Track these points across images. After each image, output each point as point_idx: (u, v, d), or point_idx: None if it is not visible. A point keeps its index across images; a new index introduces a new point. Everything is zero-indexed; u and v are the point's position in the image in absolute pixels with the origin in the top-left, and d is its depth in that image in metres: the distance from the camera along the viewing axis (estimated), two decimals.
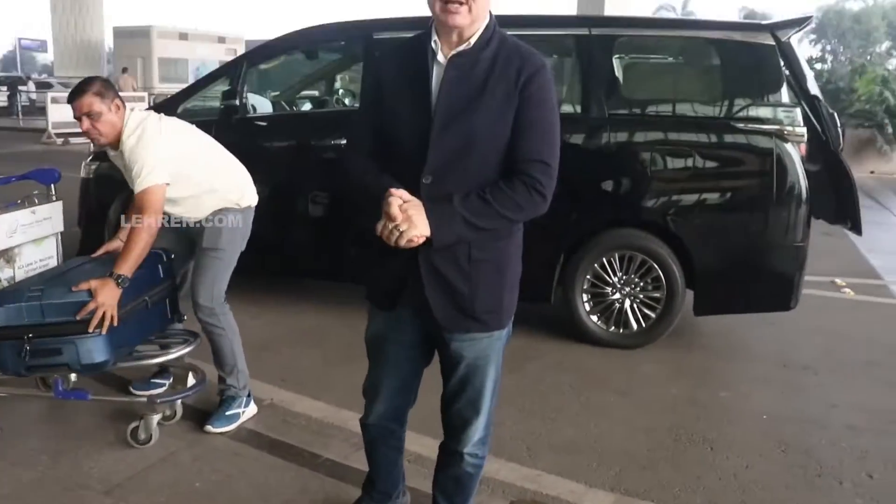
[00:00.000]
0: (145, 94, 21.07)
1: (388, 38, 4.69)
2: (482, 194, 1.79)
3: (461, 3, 1.76)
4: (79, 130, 3.00)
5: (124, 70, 23.86)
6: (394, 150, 1.90)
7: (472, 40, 1.83)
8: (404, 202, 1.77)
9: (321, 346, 4.40)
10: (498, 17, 1.91)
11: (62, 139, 17.01)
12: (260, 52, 5.47)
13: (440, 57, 1.85)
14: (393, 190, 1.78)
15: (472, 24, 1.81)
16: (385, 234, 1.77)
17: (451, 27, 1.80)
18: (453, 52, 1.83)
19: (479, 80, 1.82)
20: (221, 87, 5.24)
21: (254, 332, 4.56)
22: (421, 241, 1.77)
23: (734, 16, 46.82)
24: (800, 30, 4.50)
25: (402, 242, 1.76)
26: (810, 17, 4.65)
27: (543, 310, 4.57)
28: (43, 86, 28.53)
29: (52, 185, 3.46)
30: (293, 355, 4.24)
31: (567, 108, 4.69)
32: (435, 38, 1.85)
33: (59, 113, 16.97)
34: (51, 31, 31.55)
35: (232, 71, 5.20)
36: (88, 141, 3.60)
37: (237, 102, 5.02)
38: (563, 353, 4.38)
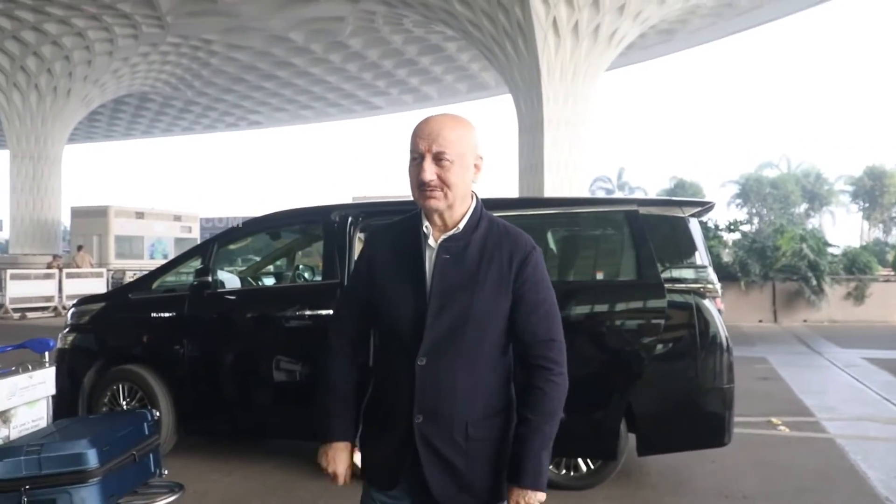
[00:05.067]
0: (103, 270, 21.42)
1: (341, 219, 5.16)
2: (529, 424, 1.85)
3: (434, 188, 1.84)
4: (36, 306, 3.27)
5: (80, 248, 24.26)
6: (388, 331, 1.93)
7: (462, 224, 1.89)
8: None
9: (289, 499, 4.58)
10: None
11: (19, 314, 17.16)
12: (229, 234, 5.92)
13: (431, 241, 1.90)
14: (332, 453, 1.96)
15: (450, 208, 1.87)
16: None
17: (430, 210, 1.88)
18: (444, 236, 1.89)
19: (472, 263, 1.86)
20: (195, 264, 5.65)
21: (226, 488, 4.77)
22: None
23: (666, 184, 50.11)
24: (703, 211, 5.20)
25: None
26: (712, 204, 5.36)
27: None
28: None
29: (46, 353, 3.76)
30: None
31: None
32: (426, 222, 1.91)
33: (18, 288, 17.29)
34: (8, 209, 32.16)
35: (203, 250, 5.68)
36: (46, 315, 3.88)
37: (209, 279, 5.47)
38: None
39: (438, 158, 1.84)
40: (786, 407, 7.33)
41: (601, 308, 4.73)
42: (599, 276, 5.11)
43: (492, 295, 1.85)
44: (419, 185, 1.85)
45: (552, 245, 5.29)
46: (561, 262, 5.31)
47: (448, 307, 1.84)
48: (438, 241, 1.89)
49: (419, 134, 1.87)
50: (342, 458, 1.95)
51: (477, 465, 1.86)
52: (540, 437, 1.85)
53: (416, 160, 1.86)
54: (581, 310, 4.67)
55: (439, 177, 1.84)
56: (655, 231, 5.09)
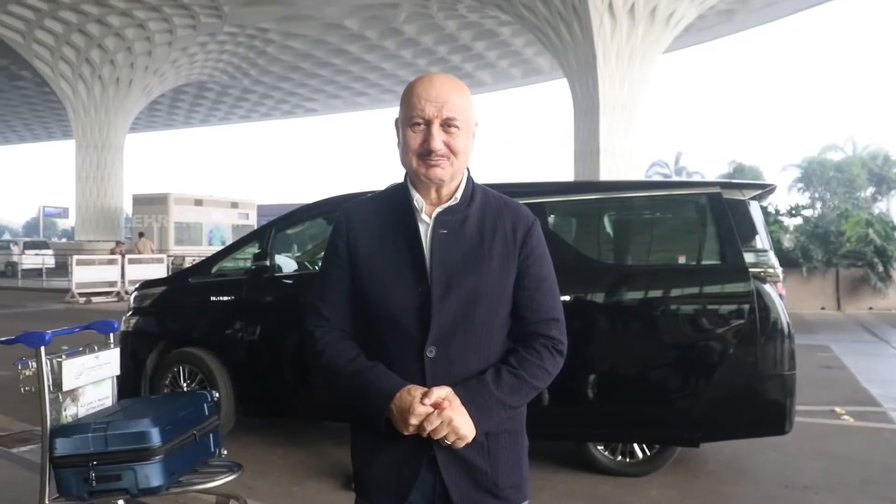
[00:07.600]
0: (163, 256, 22.01)
1: None
2: (513, 370, 1.66)
3: (441, 157, 1.65)
4: (100, 291, 3.34)
5: (141, 234, 24.97)
6: (383, 320, 1.68)
7: (458, 195, 1.71)
8: (438, 404, 1.57)
9: (346, 480, 4.64)
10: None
11: (84, 299, 17.80)
12: (286, 219, 5.96)
13: (423, 215, 1.70)
14: (413, 389, 1.59)
15: (452, 178, 1.70)
16: (419, 433, 1.58)
17: (432, 181, 1.67)
18: (440, 208, 1.70)
19: (473, 236, 1.69)
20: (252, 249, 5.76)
21: (283, 468, 4.86)
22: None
23: (724, 169, 49.02)
24: (763, 194, 5.06)
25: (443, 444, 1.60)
26: (773, 186, 5.20)
27: (553, 444, 4.83)
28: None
29: (111, 335, 3.87)
30: (320, 489, 4.50)
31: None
32: (417, 195, 1.72)
33: (83, 274, 17.93)
34: (74, 198, 33.31)
35: (261, 235, 5.77)
36: (109, 300, 3.98)
37: (266, 263, 5.56)
38: (574, 482, 4.61)
39: (447, 125, 1.66)
40: (850, 396, 7.12)
41: (686, 292, 4.63)
42: (682, 259, 5.02)
43: (500, 270, 1.68)
44: (424, 154, 1.66)
45: (632, 228, 5.28)
46: (642, 245, 5.26)
47: (454, 288, 1.64)
48: (433, 216, 1.69)
49: (425, 97, 1.65)
50: (414, 403, 1.58)
51: (500, 462, 1.68)
52: (512, 386, 1.64)
53: (420, 126, 1.66)
54: (663, 294, 4.61)
55: (447, 145, 1.65)
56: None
